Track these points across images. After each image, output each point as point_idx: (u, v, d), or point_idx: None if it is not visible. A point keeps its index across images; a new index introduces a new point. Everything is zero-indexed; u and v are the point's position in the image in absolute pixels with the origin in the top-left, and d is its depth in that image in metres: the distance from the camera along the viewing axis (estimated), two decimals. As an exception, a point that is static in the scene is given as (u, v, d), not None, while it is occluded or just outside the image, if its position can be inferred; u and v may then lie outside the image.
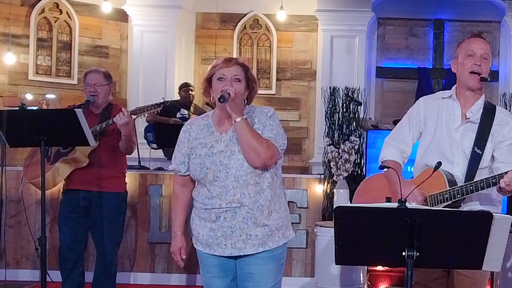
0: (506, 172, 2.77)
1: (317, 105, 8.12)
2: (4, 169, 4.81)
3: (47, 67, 8.02)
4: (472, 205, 2.97)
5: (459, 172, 2.98)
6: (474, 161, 2.96)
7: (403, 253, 2.24)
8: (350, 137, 5.84)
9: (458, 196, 2.88)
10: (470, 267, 2.58)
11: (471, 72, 3.00)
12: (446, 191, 2.91)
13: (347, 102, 6.04)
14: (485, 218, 2.21)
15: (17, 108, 4.24)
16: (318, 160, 6.71)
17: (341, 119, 6.02)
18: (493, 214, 2.22)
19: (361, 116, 6.07)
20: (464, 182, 2.92)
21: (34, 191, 5.46)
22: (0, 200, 4.81)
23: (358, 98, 6.04)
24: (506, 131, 3.01)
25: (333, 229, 2.31)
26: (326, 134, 6.04)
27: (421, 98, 3.25)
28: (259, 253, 2.81)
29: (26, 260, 5.96)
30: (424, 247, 2.24)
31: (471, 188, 2.86)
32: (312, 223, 5.85)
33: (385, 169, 3.03)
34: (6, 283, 5.30)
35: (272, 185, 2.84)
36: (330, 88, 6.17)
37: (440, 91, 3.23)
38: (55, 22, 8.08)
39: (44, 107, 6.93)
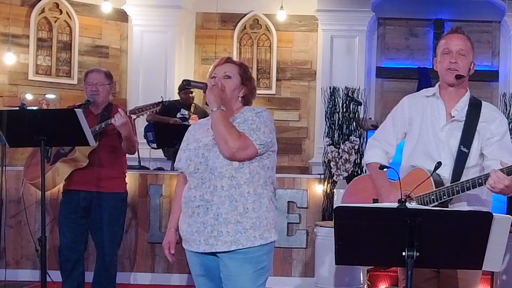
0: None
1: (317, 105, 8.12)
2: (4, 169, 4.81)
3: (47, 67, 8.02)
4: (460, 206, 2.90)
5: (446, 172, 2.90)
6: (461, 160, 2.90)
7: (403, 253, 2.24)
8: (350, 137, 5.84)
9: (445, 197, 2.83)
10: (470, 267, 2.57)
11: (447, 69, 2.95)
12: (432, 192, 2.85)
13: (347, 102, 6.04)
14: (485, 218, 2.21)
15: (17, 108, 4.24)
16: (318, 160, 6.71)
17: (341, 119, 6.02)
18: (493, 214, 2.21)
19: (361, 116, 6.07)
20: (451, 182, 2.86)
21: (34, 192, 5.46)
22: (0, 200, 4.80)
23: (358, 98, 6.04)
24: (494, 127, 2.94)
25: (333, 229, 2.31)
26: (326, 134, 6.04)
27: (405, 97, 3.18)
28: (232, 251, 2.77)
29: (26, 260, 5.96)
30: (424, 247, 2.24)
31: (457, 189, 2.80)
32: (312, 223, 5.85)
33: (385, 169, 2.99)
34: (6, 283, 5.30)
35: (251, 183, 2.80)
36: (330, 88, 6.17)
37: (424, 89, 3.15)
38: (55, 22, 8.08)
39: (44, 107, 6.93)
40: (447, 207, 2.85)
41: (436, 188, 2.85)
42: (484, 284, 5.35)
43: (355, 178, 3.37)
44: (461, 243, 2.25)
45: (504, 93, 6.33)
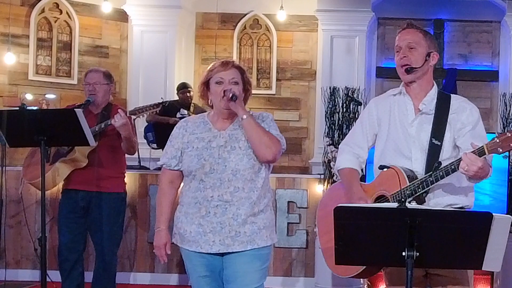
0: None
1: (317, 105, 8.12)
2: (4, 169, 4.81)
3: (47, 67, 8.02)
4: (439, 198, 2.85)
5: (418, 167, 2.85)
6: (433, 153, 2.84)
7: (403, 253, 2.24)
8: (350, 137, 5.84)
9: (419, 189, 2.76)
10: (470, 267, 2.58)
11: (400, 66, 2.93)
12: (406, 187, 2.79)
13: (347, 102, 6.04)
14: (485, 218, 2.21)
15: (17, 108, 4.24)
16: (318, 160, 6.71)
17: (341, 119, 6.03)
18: (493, 214, 2.21)
19: (361, 116, 6.07)
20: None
21: (34, 191, 5.47)
22: (0, 200, 4.80)
23: (358, 98, 6.04)
24: (465, 117, 2.88)
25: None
26: (326, 134, 6.04)
27: (372, 99, 3.18)
28: (246, 250, 2.82)
29: (26, 260, 5.97)
30: (424, 247, 2.24)
31: (431, 179, 2.74)
32: (312, 223, 5.85)
33: (385, 169, 2.96)
34: (6, 283, 5.30)
35: (264, 185, 2.90)
36: (330, 88, 6.18)
37: (390, 89, 3.12)
38: (55, 22, 8.08)
39: (44, 107, 6.92)
40: (424, 201, 2.80)
41: (410, 183, 2.80)
42: (484, 284, 5.35)
43: (329, 187, 3.34)
44: (461, 243, 2.26)
45: (504, 93, 6.32)
